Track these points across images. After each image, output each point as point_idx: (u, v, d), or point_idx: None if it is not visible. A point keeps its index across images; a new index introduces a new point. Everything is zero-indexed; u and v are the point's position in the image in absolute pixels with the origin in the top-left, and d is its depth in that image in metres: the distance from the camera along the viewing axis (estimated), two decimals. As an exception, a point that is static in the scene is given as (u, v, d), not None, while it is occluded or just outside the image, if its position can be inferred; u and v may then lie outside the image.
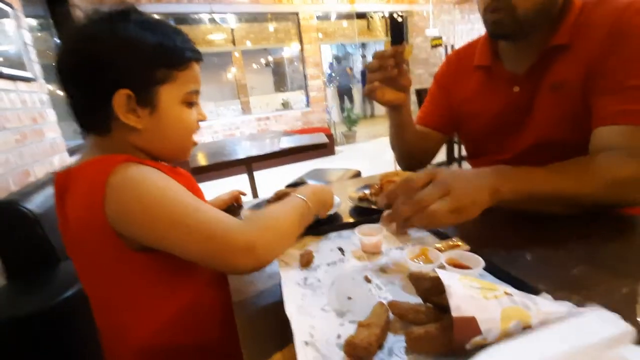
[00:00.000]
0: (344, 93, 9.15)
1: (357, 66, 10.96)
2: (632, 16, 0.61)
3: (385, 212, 0.51)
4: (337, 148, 5.73)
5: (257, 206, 0.80)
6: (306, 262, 0.50)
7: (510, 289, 0.34)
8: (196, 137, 0.64)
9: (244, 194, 0.92)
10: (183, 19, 5.62)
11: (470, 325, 0.30)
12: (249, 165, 1.96)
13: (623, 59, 0.61)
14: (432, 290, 0.36)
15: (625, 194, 0.56)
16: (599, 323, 0.33)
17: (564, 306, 0.35)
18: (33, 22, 2.76)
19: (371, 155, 5.09)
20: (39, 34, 2.81)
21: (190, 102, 0.59)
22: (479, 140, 0.86)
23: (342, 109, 7.88)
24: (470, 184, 0.50)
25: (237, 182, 4.11)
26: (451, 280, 0.33)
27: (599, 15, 0.65)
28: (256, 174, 2.03)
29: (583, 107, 0.66)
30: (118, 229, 0.48)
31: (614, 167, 0.55)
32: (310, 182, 2.12)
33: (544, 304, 0.33)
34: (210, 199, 0.84)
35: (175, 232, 0.46)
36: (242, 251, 0.45)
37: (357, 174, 2.23)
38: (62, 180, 0.53)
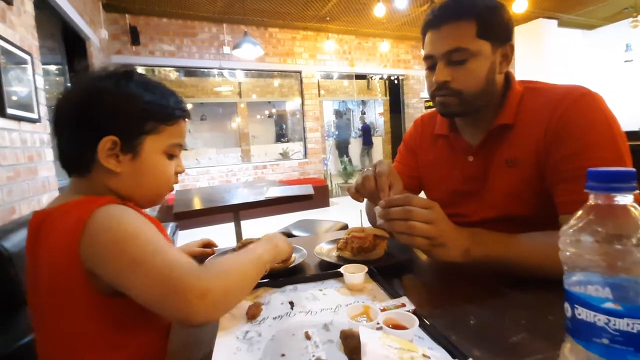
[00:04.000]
0: (343, 146, 9.46)
1: (357, 121, 11.52)
2: (568, 108, 0.67)
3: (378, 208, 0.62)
4: (332, 200, 5.77)
5: (221, 255, 0.81)
6: (252, 314, 0.50)
7: (430, 352, 0.35)
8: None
9: (214, 245, 0.92)
10: (193, 71, 6.02)
11: (381, 387, 0.30)
12: (236, 213, 1.98)
13: (571, 149, 0.65)
14: (357, 349, 0.37)
15: None
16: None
17: (485, 373, 0.35)
18: (52, 67, 2.99)
19: (363, 210, 5.10)
20: (56, 79, 3.03)
21: (171, 154, 0.63)
22: (443, 204, 0.89)
23: (342, 162, 8.10)
24: (454, 233, 0.61)
25: (224, 231, 3.98)
26: (370, 339, 0.34)
27: (539, 102, 0.72)
28: (247, 222, 2.03)
29: (538, 185, 0.70)
30: (91, 269, 0.49)
31: None
32: (296, 232, 2.12)
33: (461, 370, 0.34)
34: (179, 246, 0.85)
35: (134, 271, 0.46)
36: (195, 297, 0.43)
37: (345, 227, 2.23)
38: (38, 220, 0.55)
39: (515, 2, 4.08)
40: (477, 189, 0.80)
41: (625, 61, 5.51)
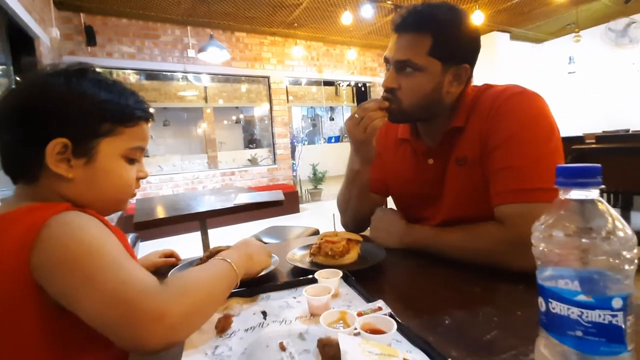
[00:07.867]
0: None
1: (326, 127, 11.63)
2: (503, 102, 0.72)
3: None
4: (302, 206, 5.73)
5: (188, 265, 0.76)
6: (222, 328, 0.47)
7: (410, 355, 0.34)
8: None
9: (177, 257, 0.86)
10: (155, 75, 5.78)
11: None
12: (203, 221, 1.89)
13: (496, 141, 0.70)
14: (336, 358, 0.35)
15: (492, 255, 0.66)
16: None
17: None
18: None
19: (336, 213, 5.11)
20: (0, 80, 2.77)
21: (131, 158, 0.58)
22: (407, 207, 0.92)
23: (313, 167, 8.10)
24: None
25: (190, 240, 3.80)
26: (350, 346, 0.32)
27: (483, 100, 0.76)
28: (214, 231, 1.95)
29: (483, 183, 0.73)
30: (39, 281, 0.44)
31: (488, 228, 0.69)
32: (267, 239, 2.07)
33: (442, 372, 0.33)
34: (140, 257, 0.79)
35: (84, 289, 0.41)
36: (151, 320, 0.39)
37: (316, 232, 2.21)
38: None
39: (473, 14, 4.37)
40: (436, 192, 0.83)
41: (569, 73, 6.01)
